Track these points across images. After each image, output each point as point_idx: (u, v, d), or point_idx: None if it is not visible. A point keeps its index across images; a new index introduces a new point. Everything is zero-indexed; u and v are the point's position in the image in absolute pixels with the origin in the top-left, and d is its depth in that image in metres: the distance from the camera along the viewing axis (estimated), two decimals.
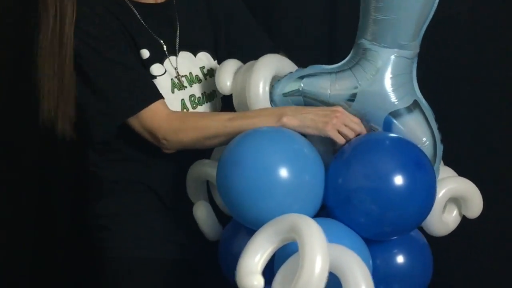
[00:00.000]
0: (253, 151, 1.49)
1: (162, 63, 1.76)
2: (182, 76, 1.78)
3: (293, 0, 2.22)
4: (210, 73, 1.83)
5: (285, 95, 1.62)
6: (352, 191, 1.50)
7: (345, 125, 1.55)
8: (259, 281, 1.35)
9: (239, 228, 1.64)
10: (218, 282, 1.72)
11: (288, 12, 2.22)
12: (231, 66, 1.73)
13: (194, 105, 1.78)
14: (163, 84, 1.73)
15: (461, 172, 1.71)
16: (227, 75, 1.71)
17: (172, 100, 1.74)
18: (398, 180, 1.47)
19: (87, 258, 2.22)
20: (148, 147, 1.72)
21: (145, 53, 1.74)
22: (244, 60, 1.74)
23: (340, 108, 1.57)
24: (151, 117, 1.66)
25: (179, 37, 1.80)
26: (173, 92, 1.75)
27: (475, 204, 1.67)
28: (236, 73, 1.71)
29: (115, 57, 1.67)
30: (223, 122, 1.62)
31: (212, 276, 1.76)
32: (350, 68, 1.61)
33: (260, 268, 1.37)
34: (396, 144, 1.55)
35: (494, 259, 2.01)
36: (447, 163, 1.71)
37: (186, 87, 1.78)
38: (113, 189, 1.78)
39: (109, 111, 1.67)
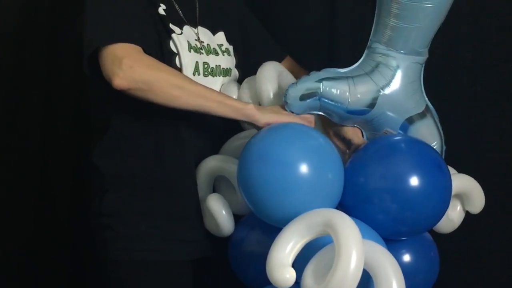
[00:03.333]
0: (279, 146, 1.48)
1: (180, 27, 1.73)
2: (202, 42, 1.75)
3: (293, 1, 2.22)
4: (228, 52, 1.81)
5: (302, 98, 1.58)
6: (373, 190, 1.51)
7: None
8: (292, 274, 1.33)
9: (250, 229, 1.63)
10: (227, 281, 1.69)
11: (288, 12, 2.22)
12: (233, 85, 1.76)
13: (206, 73, 1.73)
14: (180, 41, 1.69)
15: (460, 171, 1.73)
16: (232, 93, 1.74)
17: (188, 58, 1.69)
18: (420, 181, 1.49)
19: (89, 260, 2.18)
20: (153, 138, 1.66)
21: (162, 11, 1.70)
22: (254, 62, 1.76)
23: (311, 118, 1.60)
24: (127, 48, 1.55)
25: (198, 14, 1.79)
26: (189, 51, 1.71)
27: (477, 199, 1.70)
28: (240, 89, 1.75)
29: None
30: (195, 83, 1.58)
31: (222, 275, 1.71)
32: (367, 74, 1.60)
33: (291, 260, 1.35)
34: (418, 146, 1.58)
35: (499, 257, 2.03)
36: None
37: (202, 53, 1.74)
38: (116, 184, 1.67)
39: (92, 37, 1.58)
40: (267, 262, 1.34)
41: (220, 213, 1.65)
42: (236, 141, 1.73)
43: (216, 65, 1.75)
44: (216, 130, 1.75)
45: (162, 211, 1.67)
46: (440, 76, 1.99)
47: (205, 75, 1.72)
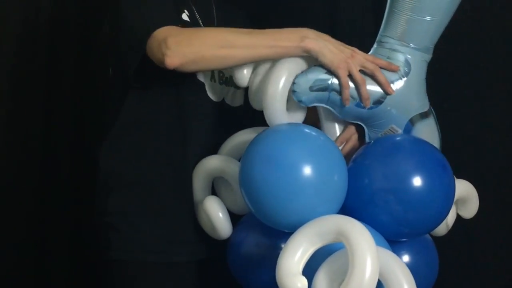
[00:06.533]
0: (283, 147, 1.44)
1: None
2: None
3: (293, 1, 2.21)
4: None
5: (311, 88, 1.52)
6: (377, 191, 1.48)
7: (360, 67, 1.51)
8: (303, 282, 1.30)
9: (249, 230, 1.60)
10: (230, 282, 1.66)
11: (288, 12, 2.21)
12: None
13: (221, 82, 1.73)
14: None
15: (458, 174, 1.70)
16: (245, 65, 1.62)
17: None
18: (426, 181, 1.47)
19: (89, 259, 2.15)
20: (159, 138, 1.67)
21: (186, 17, 1.70)
22: None
23: (357, 50, 1.53)
24: (166, 29, 1.54)
25: (216, 25, 1.77)
26: None
27: (472, 205, 1.69)
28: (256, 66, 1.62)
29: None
30: (240, 34, 1.53)
31: (225, 276, 1.68)
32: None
33: (301, 268, 1.33)
34: (423, 146, 1.55)
35: (498, 258, 2.04)
36: None
37: None
38: (121, 183, 1.68)
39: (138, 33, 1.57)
40: (277, 271, 1.31)
41: (217, 216, 1.62)
42: (235, 140, 1.68)
43: (230, 76, 1.74)
44: (222, 133, 1.72)
45: (165, 211, 1.67)
46: (439, 77, 1.97)
47: (220, 83, 1.72)
